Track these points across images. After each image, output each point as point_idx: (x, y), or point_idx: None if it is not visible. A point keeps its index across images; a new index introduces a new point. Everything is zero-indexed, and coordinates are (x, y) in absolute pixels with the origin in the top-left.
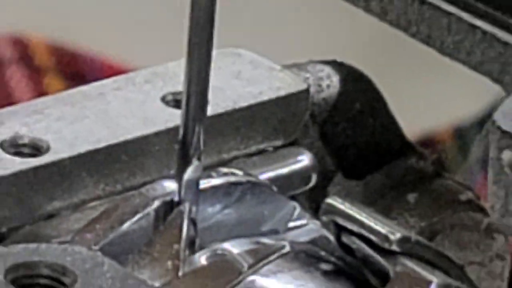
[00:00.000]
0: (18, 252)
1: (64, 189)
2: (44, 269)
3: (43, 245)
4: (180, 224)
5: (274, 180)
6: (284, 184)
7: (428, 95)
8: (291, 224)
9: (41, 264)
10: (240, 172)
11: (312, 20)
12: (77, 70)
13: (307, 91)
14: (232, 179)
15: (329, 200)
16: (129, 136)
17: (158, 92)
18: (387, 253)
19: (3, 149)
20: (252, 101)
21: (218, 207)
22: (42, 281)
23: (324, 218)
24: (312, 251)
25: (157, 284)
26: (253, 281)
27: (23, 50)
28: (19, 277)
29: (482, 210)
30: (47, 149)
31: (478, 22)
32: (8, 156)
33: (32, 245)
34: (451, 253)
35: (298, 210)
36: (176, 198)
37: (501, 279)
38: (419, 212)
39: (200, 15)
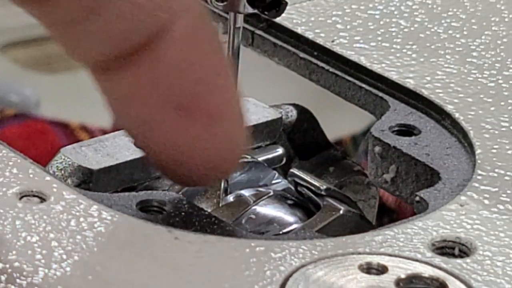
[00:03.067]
0: (144, 194)
1: None
2: (154, 202)
3: (155, 192)
4: (220, 181)
5: (265, 160)
6: (270, 162)
7: (340, 120)
8: (273, 182)
9: (153, 201)
10: (249, 157)
11: (284, 83)
12: None
13: (281, 118)
14: (245, 160)
15: (292, 170)
16: None
17: None
18: (319, 195)
19: (135, 145)
20: (255, 122)
21: (238, 173)
22: (154, 208)
23: (289, 179)
24: (283, 194)
25: (209, 210)
26: (255, 209)
27: None
28: (143, 206)
29: (364, 175)
30: None
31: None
32: (137, 149)
33: (150, 191)
34: (350, 195)
35: (277, 175)
36: None
37: (374, 208)
38: (335, 175)
39: None
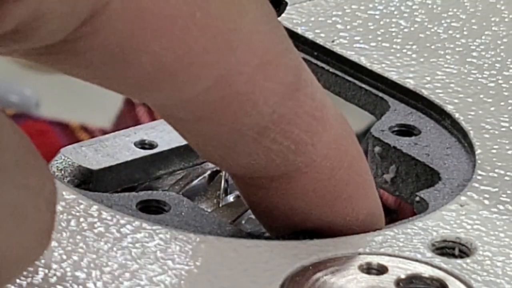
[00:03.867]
0: (144, 194)
1: (164, 165)
2: (154, 202)
3: (155, 192)
4: (220, 181)
5: None
6: None
7: None
8: None
9: (153, 201)
10: None
11: None
12: None
13: None
14: None
15: None
16: None
17: None
18: None
19: (135, 145)
20: None
21: None
22: (154, 208)
23: None
24: None
25: (209, 210)
26: None
27: None
28: (143, 206)
29: None
30: (157, 146)
31: (364, 85)
32: (137, 149)
33: (150, 192)
34: None
35: None
36: (219, 169)
37: None
38: None
39: None
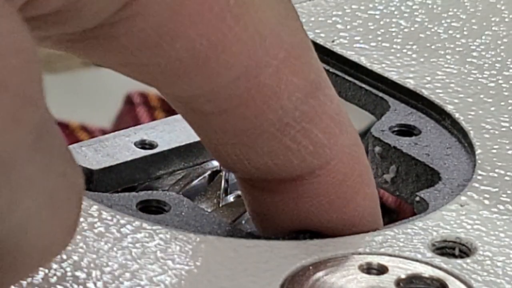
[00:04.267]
0: (144, 194)
1: (164, 165)
2: (154, 202)
3: (155, 192)
4: (220, 181)
5: None
6: None
7: None
8: None
9: (153, 201)
10: None
11: None
12: (171, 108)
13: None
14: None
15: None
16: (196, 139)
17: None
18: None
19: (135, 145)
20: None
21: None
22: (154, 208)
23: None
24: None
25: (209, 210)
26: None
27: (145, 98)
28: (143, 206)
29: None
30: (157, 146)
31: (364, 85)
32: (137, 149)
33: (150, 191)
34: None
35: None
36: (219, 169)
37: None
38: None
39: None
